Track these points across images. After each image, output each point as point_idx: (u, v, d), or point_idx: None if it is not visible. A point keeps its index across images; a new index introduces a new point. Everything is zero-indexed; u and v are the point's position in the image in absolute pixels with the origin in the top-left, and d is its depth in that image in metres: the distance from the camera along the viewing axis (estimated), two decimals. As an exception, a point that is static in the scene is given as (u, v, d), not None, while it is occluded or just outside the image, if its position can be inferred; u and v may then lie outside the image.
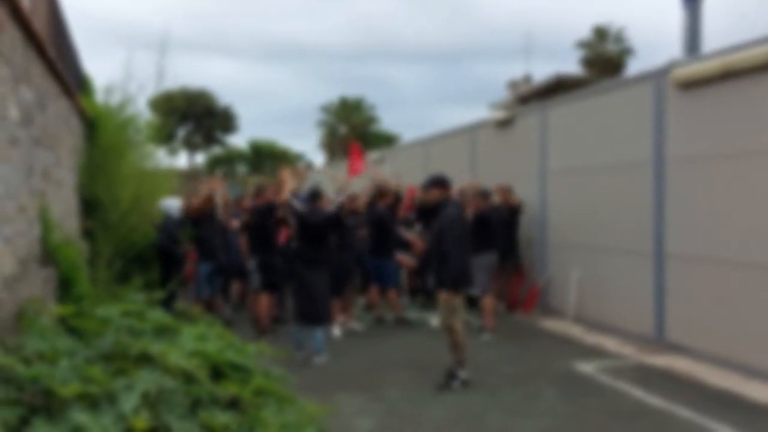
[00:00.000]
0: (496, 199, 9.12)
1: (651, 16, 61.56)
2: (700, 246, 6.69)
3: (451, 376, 5.90)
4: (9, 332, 2.91)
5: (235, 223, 8.81)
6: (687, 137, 6.88)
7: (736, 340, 6.24)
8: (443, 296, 5.84)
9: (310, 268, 6.77)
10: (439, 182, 6.03)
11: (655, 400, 5.39)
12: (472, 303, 8.88)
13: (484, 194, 8.42)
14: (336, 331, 7.96)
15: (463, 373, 5.89)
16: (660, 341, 7.18)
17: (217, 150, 53.03)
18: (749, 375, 5.98)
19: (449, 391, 5.74)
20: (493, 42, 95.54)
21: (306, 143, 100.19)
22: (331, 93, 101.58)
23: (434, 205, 6.00)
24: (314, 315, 6.71)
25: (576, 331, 8.12)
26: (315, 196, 6.96)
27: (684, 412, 5.08)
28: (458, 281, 5.79)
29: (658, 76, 7.27)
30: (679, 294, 6.97)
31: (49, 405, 2.39)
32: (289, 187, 7.05)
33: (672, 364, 6.48)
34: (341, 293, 8.02)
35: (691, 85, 6.75)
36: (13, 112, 3.24)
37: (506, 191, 9.26)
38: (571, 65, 47.63)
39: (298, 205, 7.03)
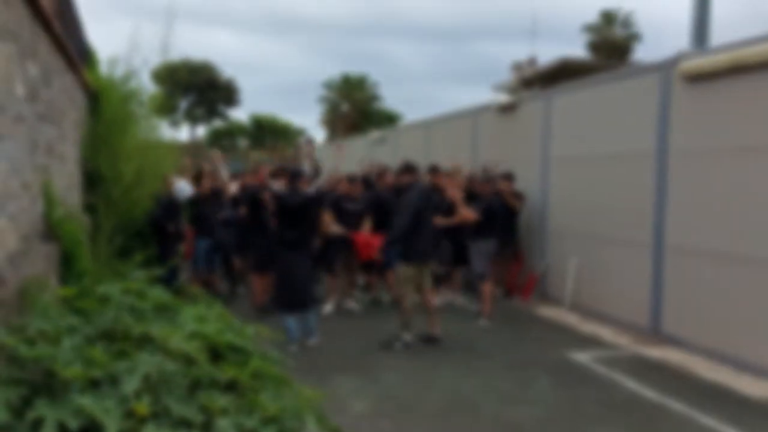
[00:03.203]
0: (501, 184, 9.13)
1: (660, 2, 60.94)
2: (699, 239, 6.71)
3: (395, 338, 6.78)
4: (12, 310, 2.93)
5: (232, 189, 8.83)
6: (692, 130, 6.86)
7: (730, 334, 6.29)
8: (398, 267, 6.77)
9: (291, 252, 6.56)
10: (410, 169, 6.96)
11: (648, 392, 5.45)
12: (471, 287, 9.01)
13: (488, 180, 8.43)
14: (328, 307, 8.10)
15: (407, 336, 6.73)
16: (656, 333, 7.24)
17: (218, 123, 52.78)
18: (742, 369, 6.04)
19: (392, 351, 6.58)
20: (498, 21, 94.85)
21: (307, 118, 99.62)
22: (333, 67, 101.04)
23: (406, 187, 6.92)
24: (300, 302, 6.55)
25: (572, 320, 8.17)
26: (295, 176, 6.71)
27: (676, 405, 5.14)
28: (405, 253, 6.68)
29: (665, 68, 7.22)
30: (677, 286, 7.01)
31: (50, 385, 2.42)
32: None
33: (666, 356, 6.54)
34: (332, 270, 8.21)
35: (698, 78, 6.71)
36: (20, 89, 3.23)
37: (507, 188, 9.14)
38: (577, 49, 47.29)
39: (277, 187, 7.03)
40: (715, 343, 6.45)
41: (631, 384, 5.67)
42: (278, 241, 6.70)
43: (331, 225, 7.86)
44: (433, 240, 6.90)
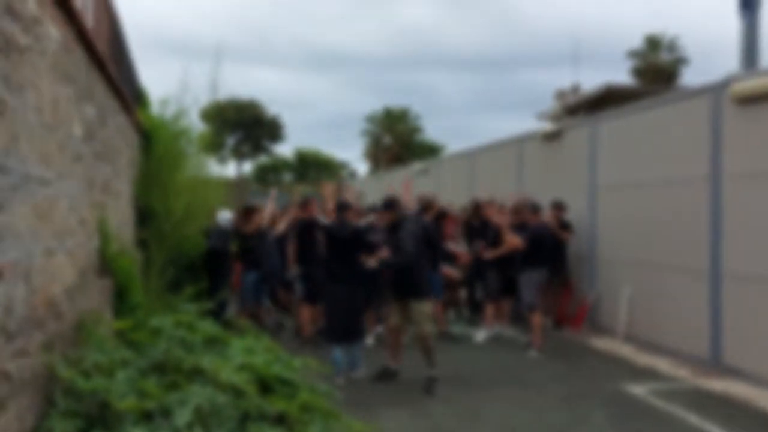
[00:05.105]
0: (547, 214, 9.04)
1: (706, 24, 59.98)
2: (758, 265, 6.44)
3: (432, 379, 6.31)
4: (69, 342, 3.00)
5: (281, 227, 8.95)
6: (745, 153, 6.65)
7: (797, 365, 5.98)
8: (427, 305, 6.38)
9: (340, 284, 6.51)
10: (392, 205, 6.55)
11: (711, 427, 5.20)
12: (520, 318, 8.88)
13: (534, 209, 8.33)
14: (369, 340, 8.02)
15: (434, 371, 6.36)
16: (716, 364, 6.93)
17: (263, 159, 53.95)
18: (812, 403, 5.72)
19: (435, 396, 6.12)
20: (539, 49, 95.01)
21: (350, 152, 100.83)
22: (375, 101, 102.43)
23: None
24: (349, 333, 6.50)
25: (626, 351, 7.91)
26: (343, 207, 6.71)
27: (742, 441, 4.89)
28: (426, 290, 6.44)
29: (715, 91, 7.06)
30: (736, 315, 6.72)
31: (105, 417, 2.45)
32: (331, 203, 7.08)
33: (729, 389, 6.25)
34: (370, 304, 8.11)
35: (750, 100, 6.53)
36: (77, 130, 3.37)
37: (554, 218, 9.13)
38: (621, 75, 46.73)
39: (323, 219, 7.07)
40: (781, 375, 6.13)
41: (692, 418, 5.42)
42: (327, 272, 6.71)
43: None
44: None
